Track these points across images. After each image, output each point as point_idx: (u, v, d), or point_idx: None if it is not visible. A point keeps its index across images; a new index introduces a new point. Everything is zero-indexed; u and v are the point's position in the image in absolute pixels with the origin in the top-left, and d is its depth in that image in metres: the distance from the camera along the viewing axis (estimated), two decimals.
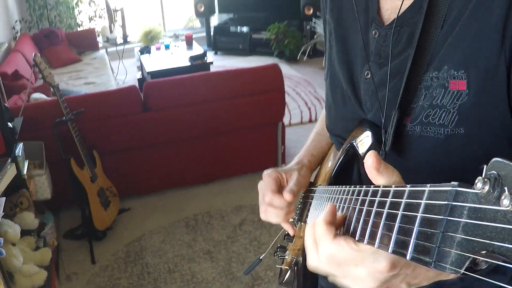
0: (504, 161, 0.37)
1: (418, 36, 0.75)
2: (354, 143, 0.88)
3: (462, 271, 0.40)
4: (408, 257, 0.45)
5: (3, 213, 1.96)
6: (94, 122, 3.26)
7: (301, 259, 1.05)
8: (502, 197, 0.36)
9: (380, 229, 0.52)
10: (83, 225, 3.21)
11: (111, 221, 3.29)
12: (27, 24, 6.33)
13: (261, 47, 6.97)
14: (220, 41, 7.30)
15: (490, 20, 0.67)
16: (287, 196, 1.01)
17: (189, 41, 6.13)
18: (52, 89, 2.86)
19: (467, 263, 0.40)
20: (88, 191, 3.07)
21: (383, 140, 0.80)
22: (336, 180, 1.00)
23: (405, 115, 0.77)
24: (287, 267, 1.14)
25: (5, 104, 2.56)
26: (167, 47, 6.04)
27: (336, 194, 0.75)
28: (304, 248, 0.96)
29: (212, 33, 7.44)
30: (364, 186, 0.62)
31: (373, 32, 0.86)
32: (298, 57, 6.68)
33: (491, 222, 0.37)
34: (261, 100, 3.61)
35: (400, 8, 0.79)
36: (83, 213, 3.12)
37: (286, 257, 1.16)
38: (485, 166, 0.39)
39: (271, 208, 1.04)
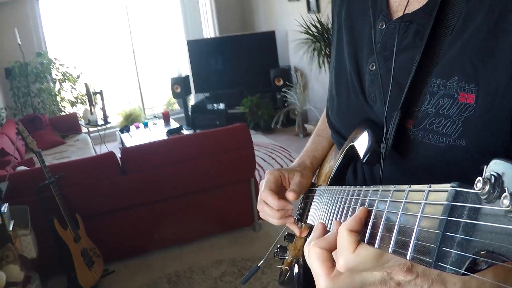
0: (504, 161, 0.38)
1: (426, 39, 0.75)
2: (354, 144, 0.88)
3: (462, 271, 0.41)
4: (408, 257, 0.46)
5: None
6: (76, 187, 3.45)
7: (301, 259, 1.06)
8: (503, 197, 0.36)
9: (380, 229, 0.53)
10: (69, 287, 3.33)
11: (95, 280, 3.41)
12: (12, 111, 6.63)
13: (237, 121, 7.23)
14: (198, 119, 7.57)
15: (506, 41, 0.67)
16: (290, 195, 1.01)
17: (166, 119, 6.45)
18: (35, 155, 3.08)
19: (467, 263, 0.40)
20: (72, 250, 3.22)
21: (384, 139, 0.80)
22: (337, 180, 0.99)
23: (406, 116, 0.77)
24: (287, 268, 1.15)
25: None
26: (145, 124, 6.33)
27: (336, 195, 0.76)
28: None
29: (190, 112, 7.73)
30: (364, 186, 0.64)
31: (380, 24, 0.86)
32: (273, 126, 7.01)
33: (491, 222, 0.38)
34: (232, 158, 3.84)
35: (408, 2, 0.81)
36: (68, 274, 3.26)
37: (286, 257, 1.17)
38: (485, 167, 0.40)
39: (266, 207, 1.04)
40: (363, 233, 0.57)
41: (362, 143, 0.85)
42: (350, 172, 1.00)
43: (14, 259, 2.61)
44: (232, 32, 7.96)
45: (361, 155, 0.84)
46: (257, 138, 6.76)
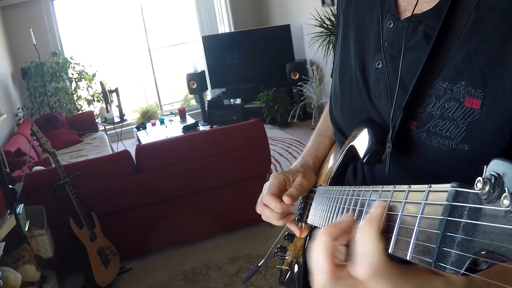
0: (504, 161, 0.38)
1: (434, 41, 0.75)
2: (354, 144, 0.88)
3: (462, 271, 0.41)
4: (408, 257, 0.46)
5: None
6: (91, 186, 3.47)
7: (301, 260, 1.06)
8: (503, 197, 0.36)
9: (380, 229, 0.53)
10: (85, 285, 3.34)
11: (112, 278, 3.43)
12: (29, 110, 6.69)
13: (254, 116, 7.24)
14: (215, 114, 7.58)
15: None
16: (286, 199, 1.00)
17: (182, 115, 6.45)
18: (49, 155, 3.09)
19: (467, 263, 0.40)
20: (88, 249, 3.23)
21: (390, 139, 0.80)
22: (337, 180, 0.99)
23: (409, 117, 0.77)
24: (287, 268, 1.15)
25: (7, 169, 2.80)
26: (161, 121, 6.34)
27: (336, 195, 0.76)
28: (304, 249, 1.06)
29: (206, 108, 7.74)
30: (364, 186, 0.64)
31: (388, 23, 0.86)
32: (289, 121, 6.98)
33: (491, 222, 0.38)
34: (247, 154, 3.82)
35: (417, 3, 0.81)
36: (84, 273, 3.27)
37: (286, 257, 1.17)
38: (485, 167, 0.40)
39: (267, 209, 1.05)
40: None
41: (362, 143, 0.85)
42: (350, 172, 0.99)
43: (30, 259, 2.62)
44: (247, 27, 7.93)
45: (361, 155, 0.84)
46: (274, 132, 6.73)
